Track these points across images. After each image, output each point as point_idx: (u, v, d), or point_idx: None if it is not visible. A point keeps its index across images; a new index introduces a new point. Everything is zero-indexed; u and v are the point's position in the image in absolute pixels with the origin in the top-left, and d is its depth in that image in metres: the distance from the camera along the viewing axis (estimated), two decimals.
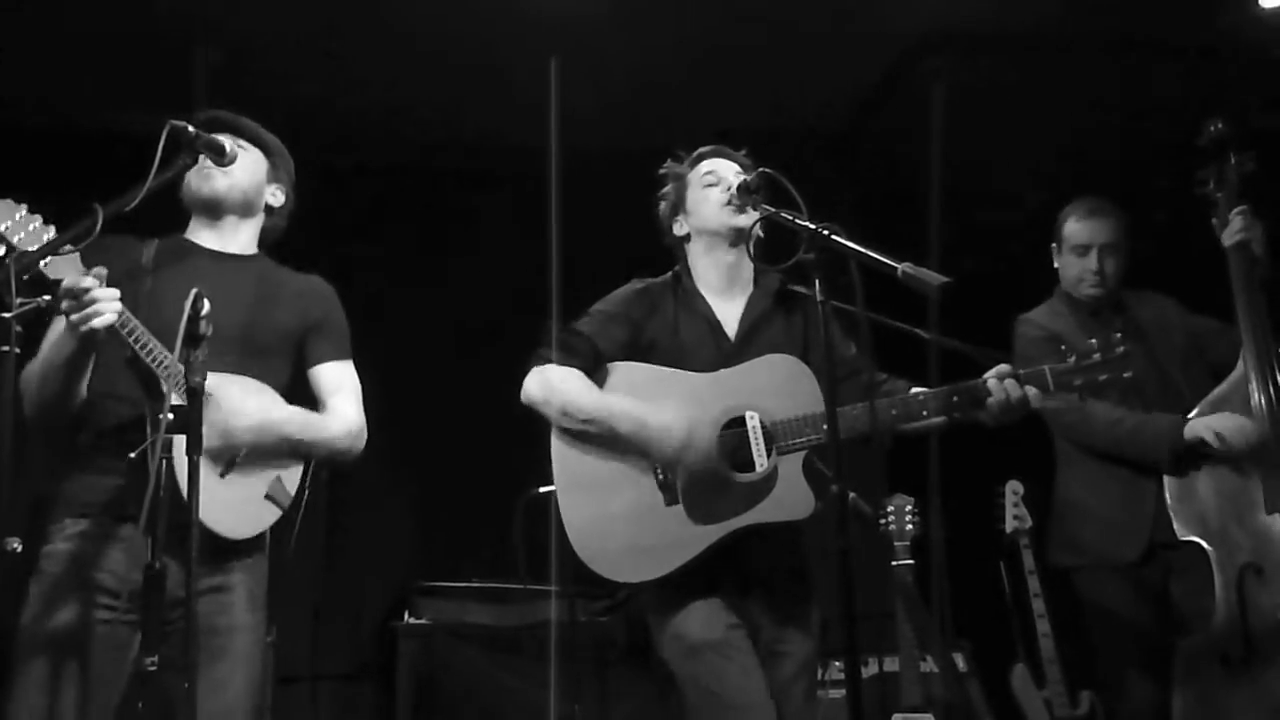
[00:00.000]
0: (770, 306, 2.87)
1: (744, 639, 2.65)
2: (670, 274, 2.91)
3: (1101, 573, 3.45)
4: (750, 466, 2.63)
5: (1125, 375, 2.54)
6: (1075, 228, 3.62)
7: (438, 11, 4.54)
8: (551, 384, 2.69)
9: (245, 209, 2.77)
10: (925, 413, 2.59)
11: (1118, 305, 3.62)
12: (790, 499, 2.60)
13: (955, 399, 2.58)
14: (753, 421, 2.63)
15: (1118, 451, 3.40)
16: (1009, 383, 2.54)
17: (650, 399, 2.67)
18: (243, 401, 2.53)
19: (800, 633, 2.74)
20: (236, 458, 2.52)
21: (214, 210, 2.73)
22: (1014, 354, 3.43)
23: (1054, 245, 3.70)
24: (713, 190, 2.85)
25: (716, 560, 2.61)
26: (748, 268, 2.88)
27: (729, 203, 2.80)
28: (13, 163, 4.59)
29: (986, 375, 2.58)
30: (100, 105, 5.06)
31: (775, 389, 2.65)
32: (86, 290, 2.30)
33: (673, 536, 2.61)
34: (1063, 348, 2.60)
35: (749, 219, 2.77)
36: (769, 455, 2.61)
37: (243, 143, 2.73)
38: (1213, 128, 3.39)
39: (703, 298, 2.84)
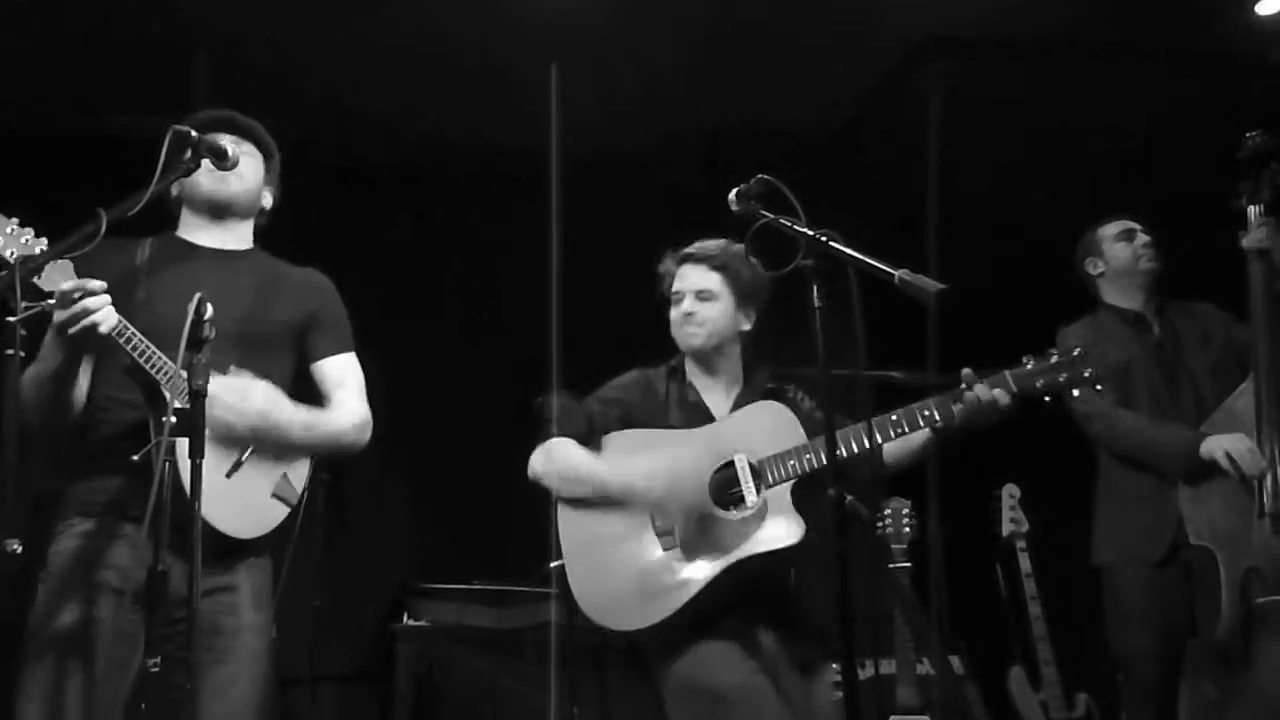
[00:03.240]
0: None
1: (764, 683, 2.65)
2: (667, 366, 2.99)
3: (1131, 570, 3.48)
4: (743, 506, 2.72)
5: (1085, 375, 2.60)
6: (1110, 225, 3.70)
7: (438, 17, 4.55)
8: (550, 454, 2.82)
9: (248, 210, 2.77)
10: (895, 432, 2.66)
11: (1160, 314, 3.64)
12: (780, 529, 2.68)
13: (925, 414, 2.65)
14: (740, 461, 2.74)
15: (1140, 458, 3.44)
16: (979, 387, 2.60)
17: (644, 452, 2.77)
18: (244, 402, 2.51)
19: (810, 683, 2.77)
20: (241, 460, 2.51)
21: (222, 212, 2.72)
22: None
23: (1087, 261, 3.72)
24: (674, 309, 2.94)
25: (718, 599, 2.67)
26: (736, 365, 2.96)
27: (684, 325, 2.88)
28: (11, 164, 4.66)
29: (962, 384, 2.63)
30: (98, 108, 5.07)
31: (762, 434, 2.76)
32: (76, 296, 2.26)
33: (673, 579, 2.69)
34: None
35: (704, 339, 2.87)
36: (758, 492, 2.70)
37: (246, 145, 2.72)
38: (1251, 139, 3.21)
39: (694, 388, 2.93)
